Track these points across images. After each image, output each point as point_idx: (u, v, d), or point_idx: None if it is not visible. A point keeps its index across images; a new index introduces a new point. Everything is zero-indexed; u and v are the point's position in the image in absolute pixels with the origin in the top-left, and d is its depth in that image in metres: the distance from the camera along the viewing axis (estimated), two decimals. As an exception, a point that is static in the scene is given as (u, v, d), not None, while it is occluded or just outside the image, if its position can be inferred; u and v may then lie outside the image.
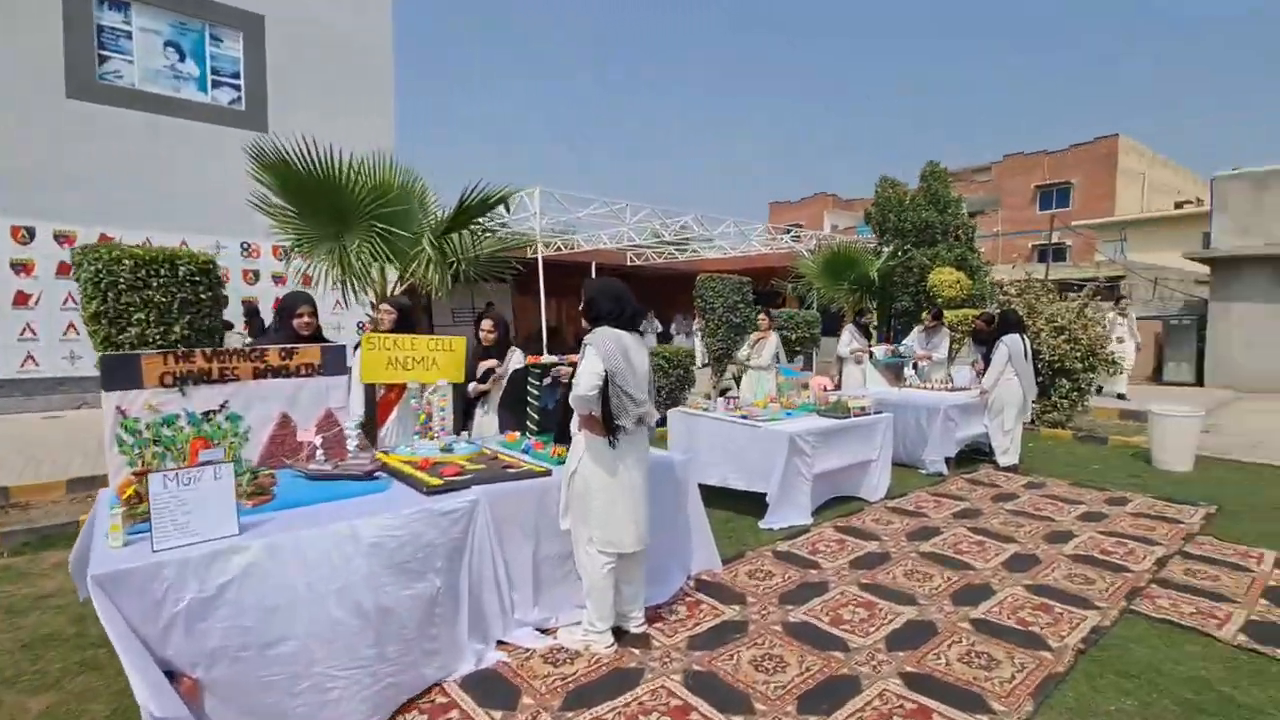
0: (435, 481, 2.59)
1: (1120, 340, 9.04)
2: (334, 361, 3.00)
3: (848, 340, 7.37)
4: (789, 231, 10.52)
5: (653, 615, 2.95)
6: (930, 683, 2.44)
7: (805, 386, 5.24)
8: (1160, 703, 2.35)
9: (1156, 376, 11.78)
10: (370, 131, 9.41)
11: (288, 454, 2.82)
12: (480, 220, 5.74)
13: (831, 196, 41.13)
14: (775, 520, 4.17)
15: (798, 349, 9.29)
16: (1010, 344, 5.65)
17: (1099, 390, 8.89)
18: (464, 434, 3.45)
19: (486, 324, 4.02)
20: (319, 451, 2.71)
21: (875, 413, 4.86)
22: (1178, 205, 26.85)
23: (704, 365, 9.38)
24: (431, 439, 3.18)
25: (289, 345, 2.93)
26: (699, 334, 10.03)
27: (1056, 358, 7.12)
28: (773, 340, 6.18)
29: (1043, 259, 31.13)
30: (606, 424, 2.52)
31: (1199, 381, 11.05)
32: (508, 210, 8.55)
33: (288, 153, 4.41)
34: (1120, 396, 9.00)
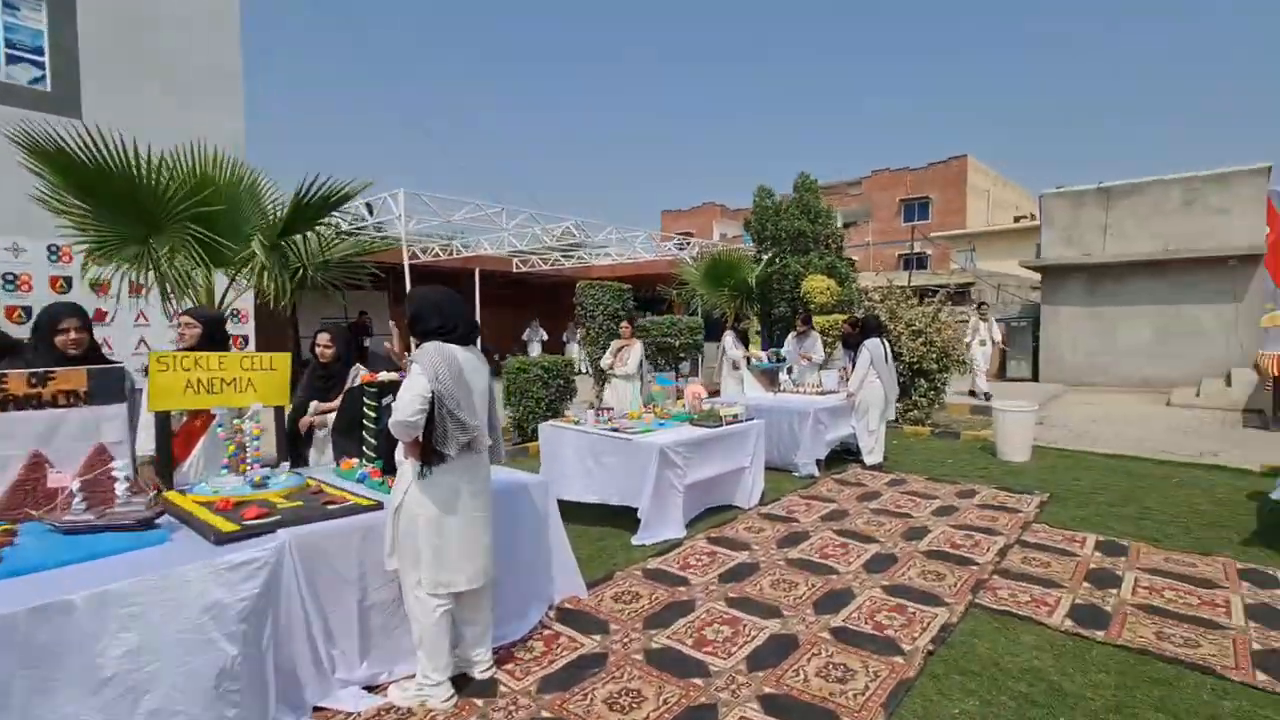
0: (229, 527, 2.19)
1: (983, 342, 9.83)
2: (106, 387, 2.50)
3: (731, 345, 7.46)
4: (672, 239, 10.59)
5: (504, 655, 2.69)
6: (787, 704, 2.36)
7: (680, 395, 5.18)
8: (999, 699, 2.41)
9: (1001, 374, 13.00)
10: (211, 123, 8.41)
11: (38, 503, 2.30)
12: (328, 221, 5.22)
13: (720, 206, 42.45)
14: (648, 536, 4.03)
15: (682, 355, 9.34)
16: (872, 348, 5.92)
17: (976, 394, 9.62)
18: (284, 465, 3.02)
19: (323, 338, 3.59)
20: (77, 499, 2.22)
21: (747, 420, 4.87)
22: (1016, 220, 30.18)
23: (586, 374, 9.21)
24: (243, 473, 2.74)
25: (40, 370, 2.40)
26: (579, 343, 9.85)
27: (915, 359, 7.59)
28: (637, 348, 6.09)
29: (907, 267, 33.87)
30: (424, 450, 2.25)
31: (1035, 377, 12.33)
32: (370, 212, 7.96)
33: (65, 140, 3.72)
34: (986, 396, 9.66)
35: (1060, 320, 11.96)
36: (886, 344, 6.17)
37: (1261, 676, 2.54)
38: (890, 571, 3.58)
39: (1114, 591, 3.31)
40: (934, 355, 7.59)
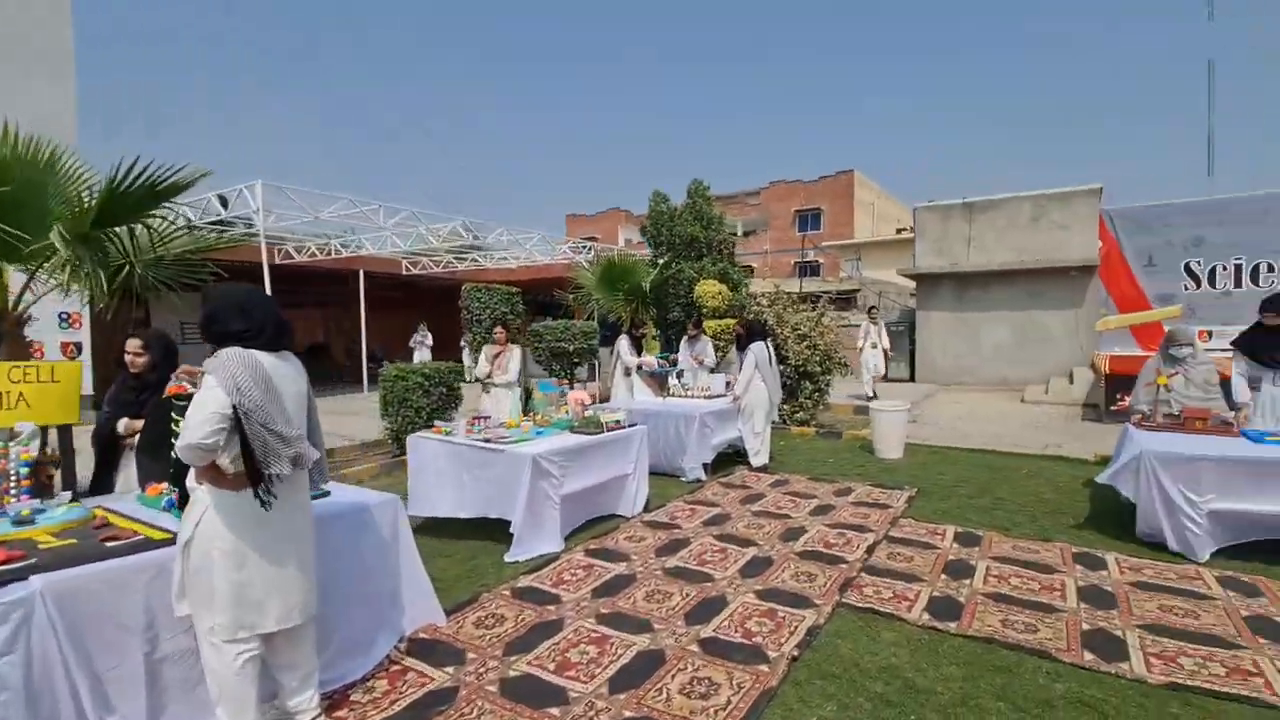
0: (-41, 577, 1.78)
1: (874, 345, 10.29)
2: None
3: (625, 350, 7.36)
4: (569, 242, 10.40)
5: (339, 700, 2.40)
6: (646, 727, 2.24)
7: (563, 403, 5.00)
8: (856, 701, 2.41)
9: (885, 375, 13.80)
10: (34, 102, 7.33)
11: None
12: (164, 214, 4.60)
13: (625, 212, 42.70)
14: (521, 551, 3.81)
15: (576, 360, 9.16)
16: (757, 351, 6.01)
17: (867, 396, 10.04)
18: (63, 495, 2.56)
19: (133, 344, 3.11)
20: None
21: (630, 425, 4.77)
22: (898, 231, 32.45)
23: (474, 381, 8.83)
24: (4, 506, 2.28)
25: None
26: (465, 348, 9.45)
27: (801, 362, 7.84)
28: (516, 354, 5.84)
29: (802, 274, 35.64)
30: (252, 474, 1.94)
31: (912, 378, 13.17)
32: (224, 206, 7.20)
33: None
34: (870, 397, 10.14)
35: (932, 325, 12.87)
36: (771, 347, 6.29)
37: (1088, 656, 2.70)
38: (765, 575, 3.58)
39: (968, 582, 3.47)
40: (818, 358, 7.87)
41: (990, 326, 12.33)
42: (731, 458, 6.35)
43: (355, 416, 8.92)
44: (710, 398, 6.29)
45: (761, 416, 6.03)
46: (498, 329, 5.89)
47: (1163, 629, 2.92)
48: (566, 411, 4.91)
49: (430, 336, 13.27)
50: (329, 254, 10.40)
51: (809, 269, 35.77)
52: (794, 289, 19.66)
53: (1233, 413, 4.53)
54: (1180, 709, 2.35)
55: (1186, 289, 11.46)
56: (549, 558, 3.84)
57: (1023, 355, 11.95)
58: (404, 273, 13.56)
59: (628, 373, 7.00)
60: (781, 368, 7.84)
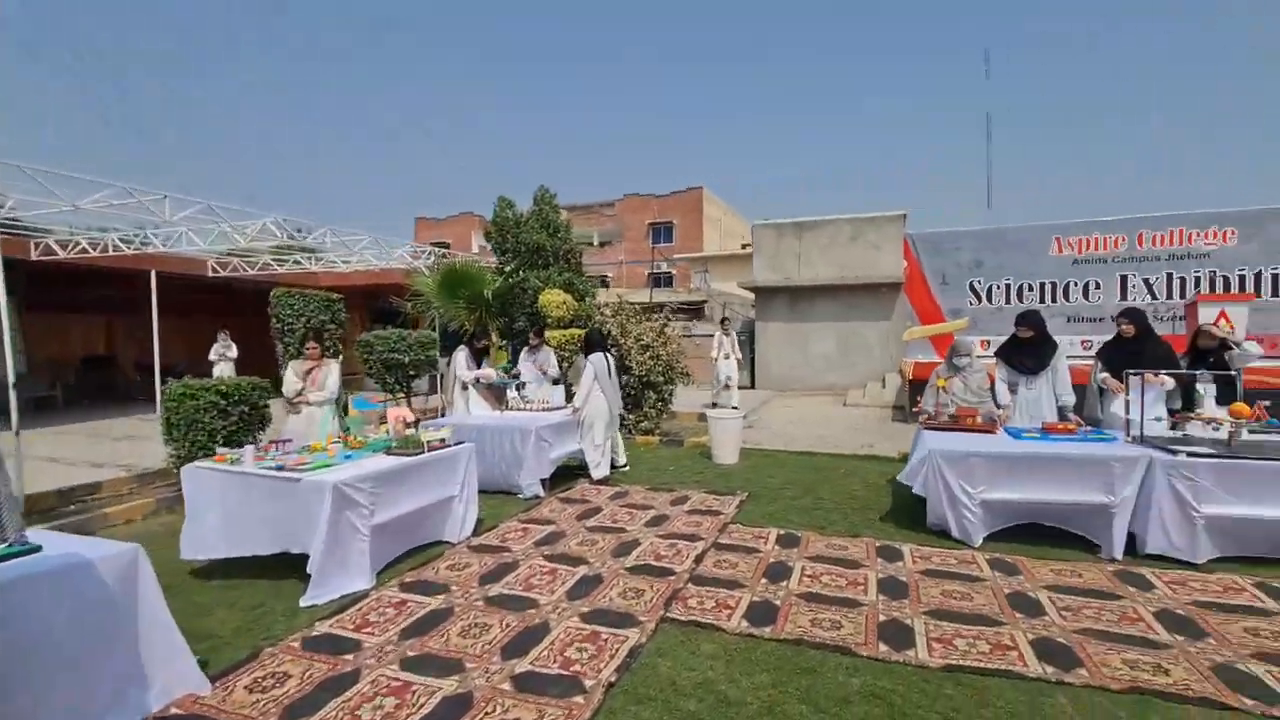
0: None
1: (727, 356, 10.59)
2: None
3: (463, 363, 6.94)
4: (404, 245, 9.73)
5: (36, 815, 1.89)
6: (438, 789, 2.00)
7: (383, 420, 4.56)
8: (669, 724, 2.36)
9: (753, 384, 14.45)
10: None
11: None
12: None
13: (479, 217, 41.37)
14: (321, 593, 3.37)
15: (413, 373, 8.56)
16: (595, 362, 5.95)
17: (719, 404, 10.31)
18: None
19: None
20: None
21: (457, 443, 4.46)
22: (743, 246, 34.66)
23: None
24: None
25: None
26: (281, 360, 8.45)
27: (644, 372, 7.93)
28: (333, 370, 5.27)
29: (656, 285, 36.77)
30: None
31: (753, 385, 13.99)
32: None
33: None
34: (714, 405, 10.49)
35: (769, 335, 13.77)
36: (611, 358, 6.27)
37: (883, 647, 2.89)
38: (593, 595, 3.47)
39: (785, 584, 3.61)
40: (660, 368, 8.01)
41: (818, 336, 13.43)
42: (576, 471, 6.23)
43: (144, 442, 7.62)
44: (550, 410, 6.12)
45: (601, 428, 5.97)
46: (310, 343, 5.21)
47: (944, 613, 3.22)
48: (387, 431, 4.49)
49: (234, 348, 11.71)
50: (104, 250, 8.78)
51: (662, 280, 37.02)
52: (644, 299, 20.14)
53: (1000, 411, 5.22)
54: (954, 690, 2.56)
55: (971, 304, 13.30)
56: (355, 597, 3.44)
57: (845, 363, 13.16)
58: (210, 274, 11.91)
59: (465, 387, 6.62)
60: (625, 378, 7.89)
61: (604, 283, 38.56)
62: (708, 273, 25.24)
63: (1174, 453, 3.88)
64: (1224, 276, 11.84)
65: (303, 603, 3.34)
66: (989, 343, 12.66)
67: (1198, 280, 11.98)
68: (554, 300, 8.62)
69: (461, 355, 6.81)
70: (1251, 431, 4.18)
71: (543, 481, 5.54)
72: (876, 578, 3.70)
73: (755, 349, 13.90)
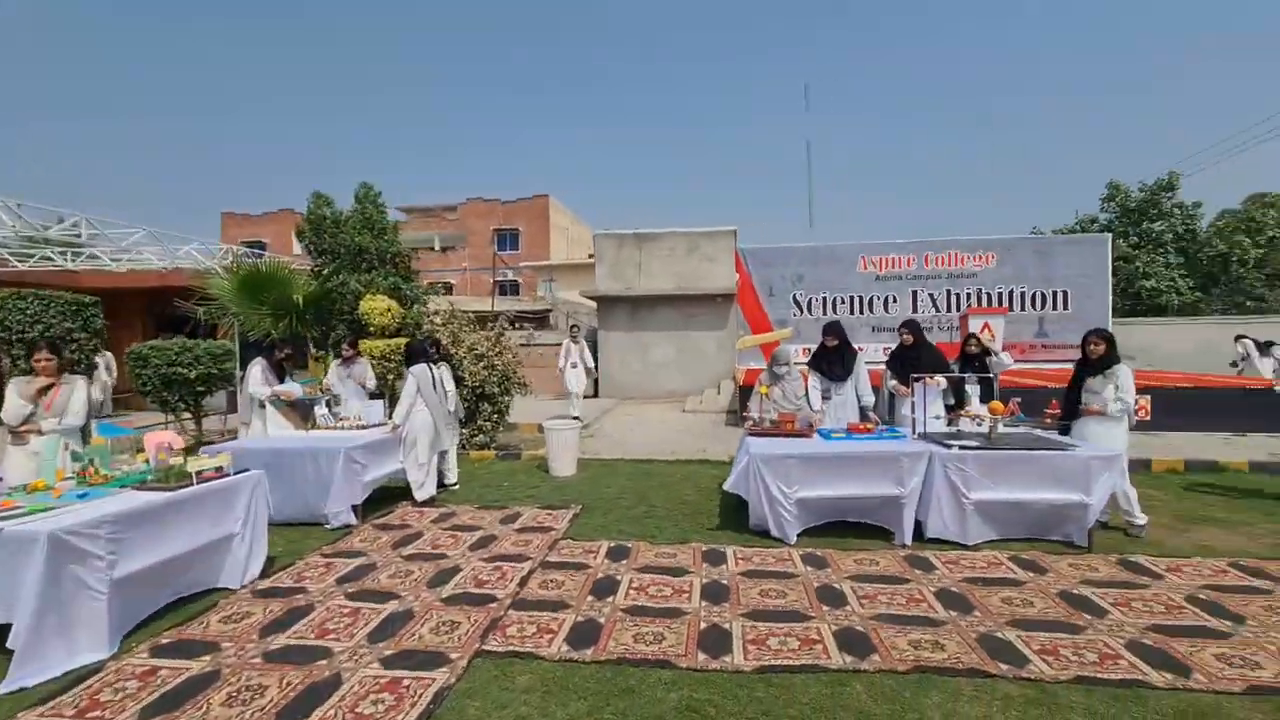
0: None
1: (574, 365, 10.25)
2: None
3: (258, 378, 6.05)
4: (192, 242, 8.39)
5: None
6: None
7: (139, 449, 3.79)
8: (470, 777, 2.12)
9: (597, 393, 14.30)
10: None
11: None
12: None
13: (300, 214, 37.56)
14: (30, 673, 2.66)
15: (201, 389, 7.37)
16: (418, 374, 5.50)
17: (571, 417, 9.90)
18: None
19: None
20: None
21: (238, 472, 3.83)
22: (590, 255, 34.97)
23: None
24: None
25: None
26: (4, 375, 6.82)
27: (478, 383, 7.53)
28: (79, 388, 4.31)
29: (502, 293, 35.83)
30: None
31: (596, 393, 14.01)
32: None
33: None
34: (577, 419, 10.12)
35: (612, 343, 13.90)
36: (438, 369, 5.85)
37: (701, 656, 2.88)
38: (400, 635, 3.11)
39: (611, 600, 3.51)
40: (496, 378, 7.66)
41: (658, 345, 13.80)
42: (400, 493, 5.70)
43: None
44: (364, 428, 5.55)
45: (425, 445, 5.52)
46: (38, 355, 4.13)
47: (761, 613, 3.31)
48: (146, 460, 3.73)
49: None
50: None
51: (507, 288, 36.18)
52: (485, 307, 19.44)
53: (814, 415, 5.62)
54: (764, 691, 2.61)
55: (795, 315, 14.48)
56: (84, 673, 2.76)
57: (684, 369, 13.65)
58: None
59: (263, 405, 5.80)
60: (459, 390, 7.44)
61: (448, 289, 36.91)
62: (553, 281, 25.05)
63: (948, 446, 4.40)
64: (988, 293, 14.02)
65: (3, 688, 2.61)
66: (810, 350, 13.91)
67: (969, 296, 14.07)
68: (377, 307, 7.91)
69: (257, 369, 5.96)
70: (1006, 425, 4.86)
71: (355, 508, 4.97)
72: (701, 583, 3.73)
73: (598, 357, 13.93)
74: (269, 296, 7.73)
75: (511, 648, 2.98)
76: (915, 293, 14.30)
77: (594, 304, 16.03)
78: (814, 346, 8.15)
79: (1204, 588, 3.61)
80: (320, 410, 5.71)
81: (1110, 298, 14.24)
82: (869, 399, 5.75)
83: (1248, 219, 24.41)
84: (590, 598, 3.54)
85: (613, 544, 4.45)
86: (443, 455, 5.99)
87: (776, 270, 14.64)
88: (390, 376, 7.73)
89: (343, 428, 5.57)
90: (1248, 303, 23.23)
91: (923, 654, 2.88)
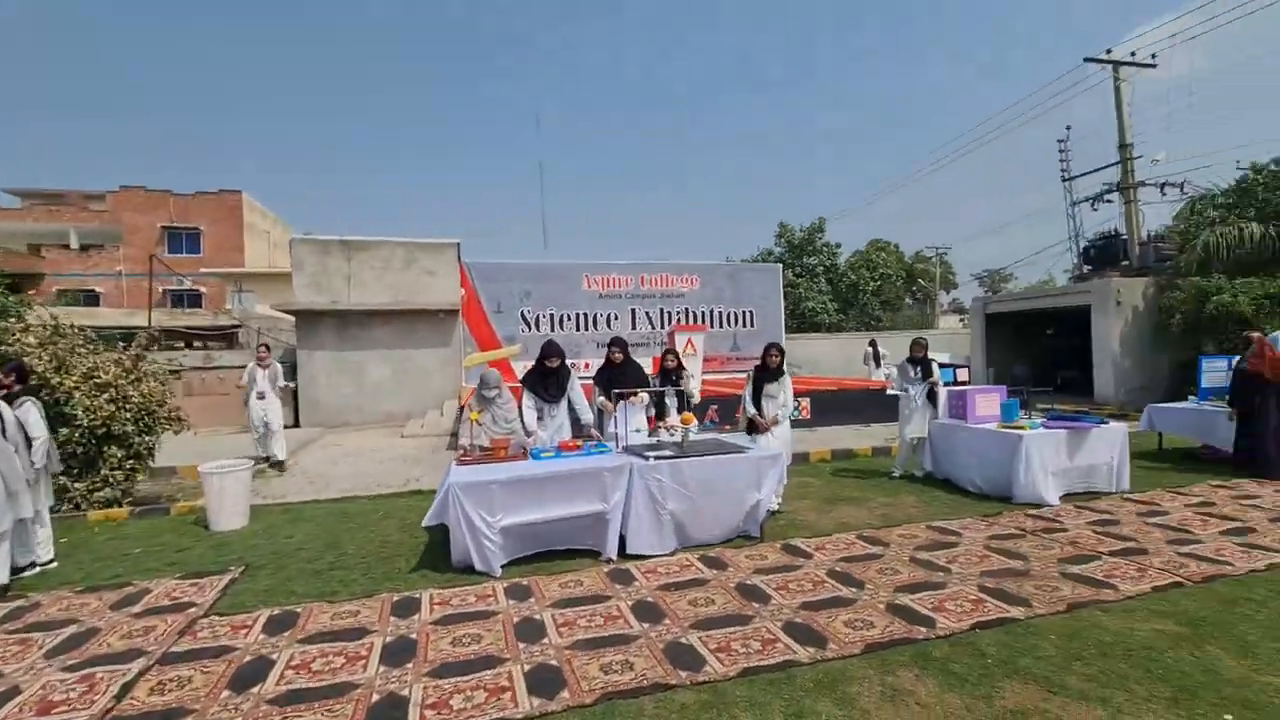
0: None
1: (261, 395, 8.15)
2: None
3: None
4: None
5: None
6: None
7: None
8: None
9: (297, 422, 12.01)
10: None
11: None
12: None
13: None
14: None
15: None
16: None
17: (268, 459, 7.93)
18: None
19: None
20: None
21: None
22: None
23: None
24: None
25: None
26: None
27: (101, 421, 5.75)
28: None
29: (179, 305, 29.33)
30: None
31: (297, 423, 12.06)
32: None
33: None
34: (279, 464, 8.16)
35: (316, 364, 12.14)
36: (14, 408, 4.25)
37: (366, 740, 2.41)
38: None
39: (254, 691, 2.78)
40: (130, 414, 5.95)
41: (374, 364, 12.48)
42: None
43: None
44: None
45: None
46: None
47: (448, 667, 2.94)
48: None
49: None
50: None
51: (187, 299, 29.75)
52: (141, 322, 15.66)
53: (529, 439, 5.42)
54: (437, 768, 2.25)
55: (523, 331, 14.42)
56: None
57: (403, 390, 12.55)
58: None
59: None
60: (66, 431, 5.59)
61: (91, 299, 28.72)
62: (246, 292, 21.24)
63: (646, 458, 4.58)
64: (694, 312, 15.74)
65: None
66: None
67: (679, 314, 15.63)
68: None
69: None
70: (696, 433, 5.28)
71: None
72: (384, 643, 3.21)
73: (298, 380, 12.04)
74: None
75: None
76: (634, 310, 15.40)
77: (291, 318, 13.92)
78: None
79: (840, 560, 4.30)
80: None
81: (783, 317, 17.16)
82: (588, 416, 5.76)
83: (867, 258, 31.92)
84: (227, 693, 2.77)
85: (276, 612, 3.64)
86: (27, 524, 4.36)
87: (503, 286, 14.44)
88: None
89: None
90: (872, 322, 30.24)
91: (612, 678, 2.81)
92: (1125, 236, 16.02)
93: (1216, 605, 3.45)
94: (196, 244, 29.80)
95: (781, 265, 21.71)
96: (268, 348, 8.56)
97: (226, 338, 18.07)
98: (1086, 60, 16.31)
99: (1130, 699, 2.58)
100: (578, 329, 14.91)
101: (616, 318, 15.25)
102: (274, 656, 3.10)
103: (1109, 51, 16.03)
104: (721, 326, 15.97)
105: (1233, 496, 5.79)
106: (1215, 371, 7.88)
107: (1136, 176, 16.05)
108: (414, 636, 3.28)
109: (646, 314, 15.50)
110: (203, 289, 28.52)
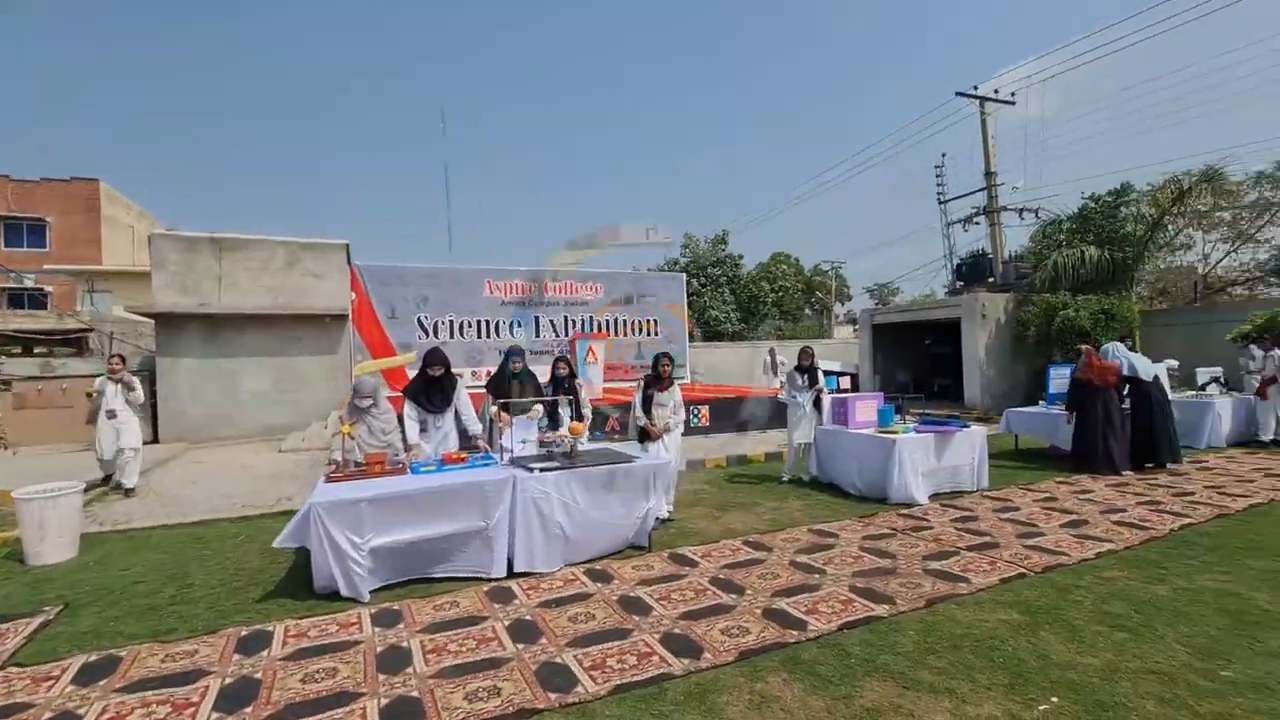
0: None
1: (111, 414, 6.96)
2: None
3: None
4: None
5: None
6: None
7: None
8: None
9: (157, 438, 10.77)
10: None
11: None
12: None
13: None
14: None
15: None
16: None
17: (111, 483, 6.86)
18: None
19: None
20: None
21: None
22: (166, 263, 27.73)
23: None
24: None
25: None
26: None
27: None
28: None
29: (16, 306, 25.84)
30: None
31: (156, 438, 10.87)
32: None
33: None
34: (129, 491, 7.11)
35: (179, 372, 11.01)
36: None
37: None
38: None
39: (49, 754, 2.40)
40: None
41: (250, 373, 11.50)
42: None
43: None
44: None
45: None
46: None
47: (292, 709, 2.67)
48: None
49: None
50: None
51: (27, 299, 26.26)
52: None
53: (407, 453, 5.12)
54: (263, 828, 2.01)
55: (420, 338, 13.77)
56: None
57: (284, 401, 11.65)
58: None
59: None
60: None
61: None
62: (101, 292, 19.02)
63: (531, 470, 4.43)
64: (598, 320, 15.69)
65: None
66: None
67: (583, 322, 15.52)
68: None
69: None
70: (585, 443, 5.20)
71: None
72: (221, 686, 2.88)
73: (158, 390, 10.87)
74: None
75: None
76: (538, 318, 15.13)
77: (150, 321, 12.62)
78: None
79: (724, 567, 4.34)
80: None
81: (687, 325, 17.47)
82: (476, 427, 5.53)
83: (768, 270, 33.27)
84: (11, 761, 2.37)
85: (94, 658, 3.18)
86: None
87: (398, 291, 13.76)
88: None
89: None
90: (773, 332, 31.49)
91: (476, 706, 2.66)
92: (991, 256, 17.65)
93: (1052, 593, 3.77)
94: (42, 237, 26.39)
95: (685, 274, 22.14)
96: (122, 359, 7.42)
97: (74, 344, 16.06)
98: (957, 94, 17.88)
99: (973, 688, 2.74)
100: (479, 336, 14.46)
101: (520, 325, 14.93)
102: (81, 711, 2.69)
103: (976, 88, 17.66)
104: (626, 335, 16.01)
105: (1072, 491, 6.43)
106: (1061, 379, 8.77)
107: (1000, 201, 17.74)
108: (258, 676, 2.96)
109: (550, 321, 15.28)
110: (49, 288, 25.32)
